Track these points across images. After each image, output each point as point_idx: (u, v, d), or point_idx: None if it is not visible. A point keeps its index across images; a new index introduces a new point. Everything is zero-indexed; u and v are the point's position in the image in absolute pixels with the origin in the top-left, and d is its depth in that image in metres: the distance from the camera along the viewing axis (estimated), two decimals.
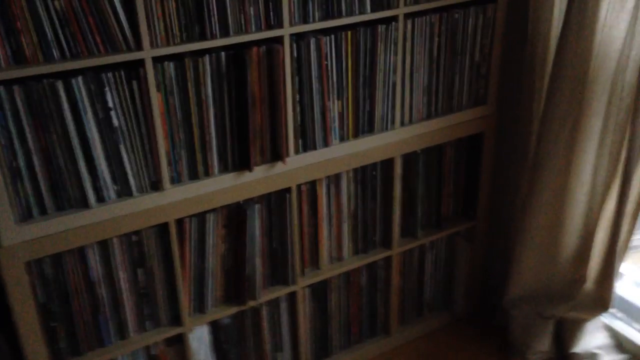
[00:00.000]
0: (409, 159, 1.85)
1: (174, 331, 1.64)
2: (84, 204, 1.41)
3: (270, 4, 1.44)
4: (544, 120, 1.71)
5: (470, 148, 1.97)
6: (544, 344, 1.93)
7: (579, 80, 1.62)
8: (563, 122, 1.67)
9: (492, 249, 2.16)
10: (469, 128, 1.90)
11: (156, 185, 1.49)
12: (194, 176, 1.53)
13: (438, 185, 1.95)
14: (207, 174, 1.55)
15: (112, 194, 1.44)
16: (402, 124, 1.78)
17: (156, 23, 1.33)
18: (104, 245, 1.47)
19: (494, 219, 2.11)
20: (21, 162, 1.31)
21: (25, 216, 1.36)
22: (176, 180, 1.51)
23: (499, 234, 2.13)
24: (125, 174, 1.43)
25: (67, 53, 1.27)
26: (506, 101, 1.95)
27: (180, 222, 1.54)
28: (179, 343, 1.68)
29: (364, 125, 1.73)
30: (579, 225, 1.80)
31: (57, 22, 1.24)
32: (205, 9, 1.37)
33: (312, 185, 1.72)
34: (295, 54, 1.53)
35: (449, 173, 1.96)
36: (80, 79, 1.30)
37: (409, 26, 1.67)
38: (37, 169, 1.33)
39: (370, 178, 1.82)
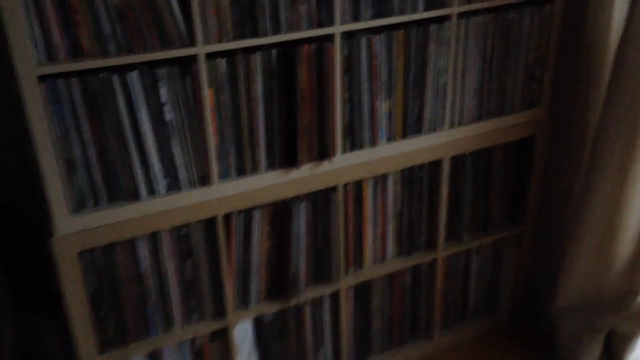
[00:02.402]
0: (457, 161, 1.82)
1: (218, 324, 1.66)
2: (135, 196, 1.44)
3: (322, 1, 1.44)
4: (601, 125, 1.66)
5: (521, 152, 1.92)
6: (593, 356, 1.87)
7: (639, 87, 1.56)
8: (621, 128, 1.62)
9: (540, 255, 2.11)
10: (520, 131, 1.86)
11: (205, 180, 1.50)
12: (241, 172, 1.55)
13: (486, 188, 1.92)
14: (255, 170, 1.56)
15: (163, 187, 1.46)
16: (451, 125, 1.76)
17: (210, 19, 1.35)
18: (153, 237, 1.50)
19: (542, 224, 2.06)
20: (76, 154, 1.34)
21: (79, 207, 1.39)
22: (224, 175, 1.52)
23: (547, 240, 2.07)
24: (176, 167, 1.46)
25: (123, 47, 1.30)
26: (560, 104, 1.89)
27: (227, 217, 1.56)
28: (223, 337, 1.69)
29: (412, 125, 1.71)
30: (634, 234, 1.74)
31: (114, 16, 1.27)
32: (258, 6, 1.38)
33: (358, 184, 1.71)
34: (345, 52, 1.52)
35: (498, 177, 1.92)
36: (135, 73, 1.32)
37: (462, 26, 1.64)
38: (92, 160, 1.36)
39: (417, 179, 1.80)
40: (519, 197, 1.99)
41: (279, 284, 1.71)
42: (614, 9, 1.64)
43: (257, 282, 1.68)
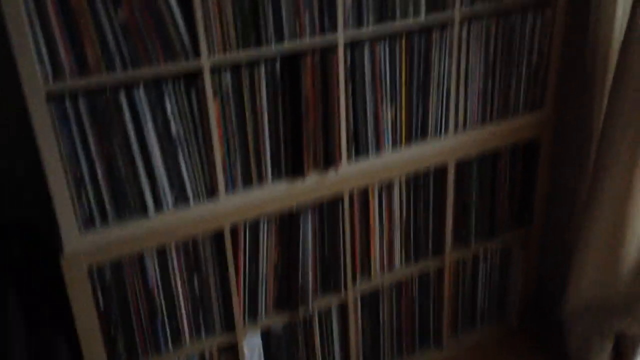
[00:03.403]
0: (463, 166, 1.82)
1: (227, 338, 1.65)
2: (143, 211, 1.43)
3: (325, 8, 1.44)
4: (606, 126, 1.66)
5: (527, 154, 1.92)
6: (603, 359, 1.87)
7: None
8: (626, 129, 1.61)
9: (548, 258, 2.10)
10: (525, 133, 1.86)
11: (211, 192, 1.49)
12: (248, 183, 1.54)
13: (492, 191, 1.91)
14: (261, 180, 1.55)
15: (170, 201, 1.45)
16: (456, 129, 1.75)
17: (213, 30, 1.34)
18: (161, 252, 1.49)
19: (550, 227, 2.05)
20: (84, 171, 1.33)
21: (88, 223, 1.38)
22: (231, 187, 1.52)
23: (555, 243, 2.07)
24: (183, 181, 1.45)
25: (129, 63, 1.29)
26: (565, 106, 1.89)
27: (234, 228, 1.55)
28: (232, 350, 1.68)
29: (417, 131, 1.70)
30: None
31: (119, 31, 1.26)
32: (262, 15, 1.38)
33: (364, 192, 1.70)
34: (349, 60, 1.52)
35: (504, 179, 1.92)
36: (141, 89, 1.32)
37: (464, 30, 1.64)
38: (100, 177, 1.35)
39: (423, 184, 1.79)
40: (525, 200, 1.98)
41: (288, 294, 1.70)
42: (617, 10, 1.64)
43: (265, 294, 1.67)
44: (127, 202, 1.40)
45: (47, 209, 1.36)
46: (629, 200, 1.69)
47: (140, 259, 1.47)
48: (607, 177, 1.69)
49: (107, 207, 1.38)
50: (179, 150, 1.41)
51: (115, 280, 1.46)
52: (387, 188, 1.74)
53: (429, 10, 1.56)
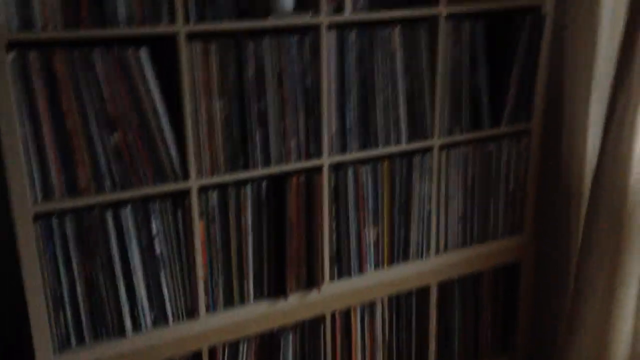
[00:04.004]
0: (445, 287, 1.83)
1: None
2: (121, 332, 1.39)
3: (311, 135, 1.50)
4: (582, 252, 1.69)
5: (508, 275, 1.94)
6: None
7: (617, 215, 1.61)
8: (602, 255, 1.65)
9: None
10: (505, 256, 1.89)
11: (192, 313, 1.47)
12: (229, 303, 1.52)
13: (475, 314, 1.91)
14: (243, 300, 1.54)
15: (149, 321, 1.42)
16: (437, 251, 1.78)
17: (203, 154, 1.39)
18: None
19: (533, 350, 2.03)
20: (65, 291, 1.32)
21: (64, 344, 1.34)
22: (212, 307, 1.50)
23: None
24: (163, 301, 1.43)
25: (119, 183, 1.32)
26: (543, 229, 1.94)
27: (212, 349, 1.51)
28: None
29: (399, 252, 1.73)
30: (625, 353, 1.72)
31: (111, 155, 1.30)
32: (250, 141, 1.43)
33: (347, 313, 1.69)
34: (333, 182, 1.57)
35: (487, 302, 1.92)
36: (128, 208, 1.33)
37: (444, 157, 1.71)
38: (80, 297, 1.33)
39: (406, 306, 1.79)
40: (509, 322, 1.97)
41: None
42: (588, 137, 1.73)
43: None
44: (105, 323, 1.37)
45: (21, 326, 1.33)
46: (608, 331, 1.69)
47: None
48: (588, 300, 1.70)
49: (84, 327, 1.35)
50: (162, 269, 1.41)
51: None
52: (369, 309, 1.73)
53: (410, 138, 1.64)
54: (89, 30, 1.23)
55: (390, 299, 1.76)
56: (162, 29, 1.29)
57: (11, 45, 1.19)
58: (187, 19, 1.31)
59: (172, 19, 1.30)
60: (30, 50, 1.20)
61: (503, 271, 1.93)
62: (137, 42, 1.30)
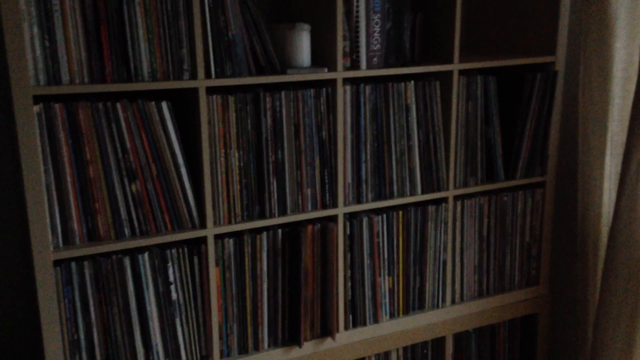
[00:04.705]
0: (461, 338, 1.81)
1: None
2: None
3: (327, 186, 1.53)
4: (600, 306, 1.67)
5: (525, 328, 1.91)
6: None
7: (634, 269, 1.60)
8: (620, 310, 1.62)
9: None
10: (522, 309, 1.87)
11: (206, 359, 1.48)
12: (243, 351, 1.53)
13: None
14: (257, 348, 1.54)
15: None
16: (453, 302, 1.77)
17: (220, 204, 1.42)
18: None
19: None
20: (82, 336, 1.34)
21: None
22: (225, 354, 1.51)
23: None
24: (178, 347, 1.45)
25: (137, 231, 1.36)
26: (560, 282, 1.92)
27: None
28: None
29: (414, 302, 1.72)
30: None
31: (131, 203, 1.34)
32: (267, 191, 1.47)
33: None
34: (348, 231, 1.58)
35: (503, 354, 1.89)
36: (146, 255, 1.37)
37: (459, 207, 1.72)
38: (96, 342, 1.36)
39: (421, 357, 1.77)
40: None
41: None
42: (604, 190, 1.73)
43: None
44: None
45: None
46: None
47: None
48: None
49: None
50: (177, 315, 1.43)
51: None
52: (384, 359, 1.72)
53: (424, 189, 1.66)
54: (113, 85, 1.29)
55: (405, 350, 1.75)
56: (184, 84, 1.35)
57: (38, 98, 1.25)
58: (207, 74, 1.37)
59: (194, 75, 1.35)
60: (55, 102, 1.26)
61: (520, 323, 1.90)
62: (159, 95, 1.36)
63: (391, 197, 1.62)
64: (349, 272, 1.61)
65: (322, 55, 1.51)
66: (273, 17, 1.67)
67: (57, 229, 1.29)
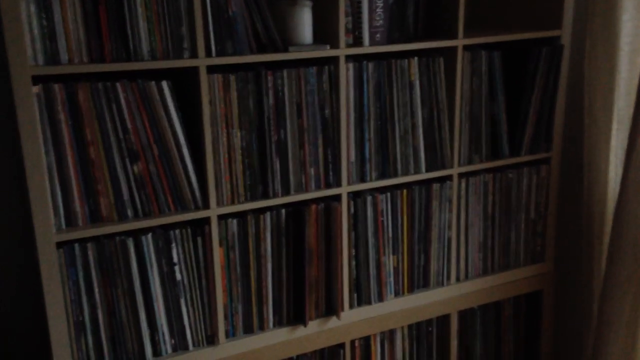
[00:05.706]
0: (466, 315, 1.81)
1: None
2: (141, 358, 1.41)
3: (330, 165, 1.52)
4: (606, 281, 1.67)
5: (530, 305, 1.91)
6: None
7: None
8: (627, 284, 1.62)
9: None
10: (526, 285, 1.87)
11: (211, 339, 1.49)
12: (248, 330, 1.53)
13: (497, 343, 1.88)
14: (262, 328, 1.55)
15: (169, 347, 1.44)
16: (458, 279, 1.77)
17: (223, 184, 1.42)
18: None
19: None
20: (86, 317, 1.35)
21: None
22: (231, 334, 1.51)
23: None
24: (184, 327, 1.45)
25: (140, 212, 1.35)
26: (566, 259, 1.91)
27: None
28: None
29: (419, 280, 1.72)
30: None
31: (133, 184, 1.33)
32: (270, 171, 1.46)
33: (366, 341, 1.69)
34: (352, 210, 1.58)
35: (508, 331, 1.90)
36: (149, 236, 1.36)
37: (463, 185, 1.71)
38: (101, 323, 1.36)
39: (426, 334, 1.78)
40: (531, 353, 1.94)
41: None
42: (610, 165, 1.72)
43: None
44: (125, 348, 1.40)
45: (43, 352, 1.36)
46: (634, 357, 1.66)
47: None
48: (610, 333, 1.67)
49: (105, 353, 1.38)
50: (182, 296, 1.43)
51: None
52: (389, 337, 1.72)
53: (429, 167, 1.65)
54: (112, 64, 1.27)
55: (410, 328, 1.75)
56: (184, 63, 1.33)
57: (37, 79, 1.24)
58: (208, 53, 1.35)
59: (194, 53, 1.34)
60: (55, 82, 1.25)
61: (524, 300, 1.90)
62: (159, 75, 1.34)
63: (395, 175, 1.61)
64: (354, 251, 1.61)
65: (324, 32, 1.49)
66: None
67: (60, 210, 1.29)
